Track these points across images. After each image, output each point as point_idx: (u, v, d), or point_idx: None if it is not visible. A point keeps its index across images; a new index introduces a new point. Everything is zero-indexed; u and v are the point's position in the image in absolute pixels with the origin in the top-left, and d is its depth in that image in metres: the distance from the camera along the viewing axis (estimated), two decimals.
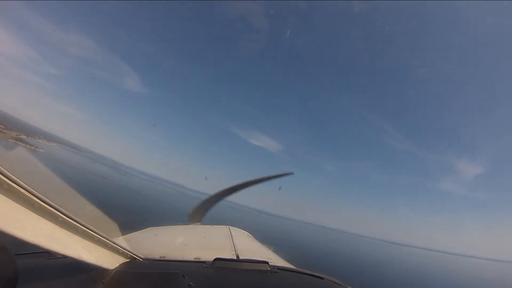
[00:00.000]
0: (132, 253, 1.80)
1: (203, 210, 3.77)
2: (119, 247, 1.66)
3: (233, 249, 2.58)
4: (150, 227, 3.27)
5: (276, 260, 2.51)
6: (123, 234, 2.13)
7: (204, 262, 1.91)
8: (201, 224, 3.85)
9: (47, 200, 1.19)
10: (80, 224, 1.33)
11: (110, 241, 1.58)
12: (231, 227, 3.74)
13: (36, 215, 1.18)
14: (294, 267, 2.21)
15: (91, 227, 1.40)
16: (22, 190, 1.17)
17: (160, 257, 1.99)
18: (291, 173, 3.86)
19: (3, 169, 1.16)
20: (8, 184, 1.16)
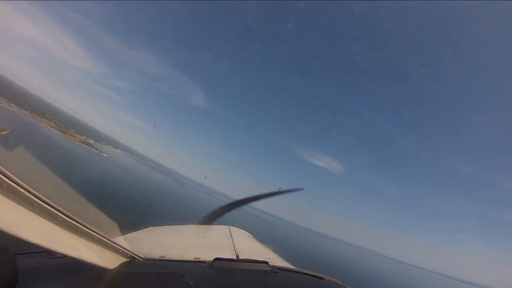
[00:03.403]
0: (132, 253, 1.80)
1: (215, 216, 3.82)
2: (119, 247, 1.66)
3: (233, 249, 2.58)
4: (150, 227, 3.27)
5: (276, 260, 2.51)
6: (123, 234, 2.13)
7: (204, 262, 1.91)
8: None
9: (47, 200, 1.19)
10: (80, 224, 1.33)
11: (110, 241, 1.58)
12: (231, 227, 3.73)
13: (36, 215, 1.18)
14: (294, 267, 2.20)
15: (91, 227, 1.40)
16: (22, 190, 1.17)
17: (160, 257, 1.99)
18: (301, 189, 3.90)
19: (3, 169, 1.17)
20: (8, 184, 1.16)
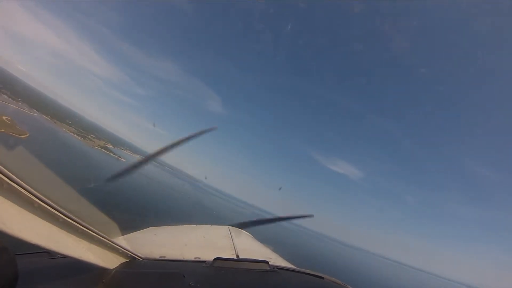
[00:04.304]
0: (132, 253, 1.80)
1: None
2: (119, 247, 1.66)
3: (233, 249, 2.58)
4: (150, 227, 3.27)
5: (276, 260, 2.51)
6: (123, 234, 2.13)
7: (204, 261, 1.91)
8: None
9: (47, 201, 1.19)
10: (80, 224, 1.33)
11: (110, 241, 1.58)
12: (231, 227, 3.73)
13: (36, 215, 1.18)
14: (294, 267, 2.20)
15: (91, 227, 1.40)
16: (22, 190, 1.17)
17: (160, 257, 1.99)
18: (214, 128, 3.78)
19: (4, 169, 1.17)
20: (8, 184, 1.17)
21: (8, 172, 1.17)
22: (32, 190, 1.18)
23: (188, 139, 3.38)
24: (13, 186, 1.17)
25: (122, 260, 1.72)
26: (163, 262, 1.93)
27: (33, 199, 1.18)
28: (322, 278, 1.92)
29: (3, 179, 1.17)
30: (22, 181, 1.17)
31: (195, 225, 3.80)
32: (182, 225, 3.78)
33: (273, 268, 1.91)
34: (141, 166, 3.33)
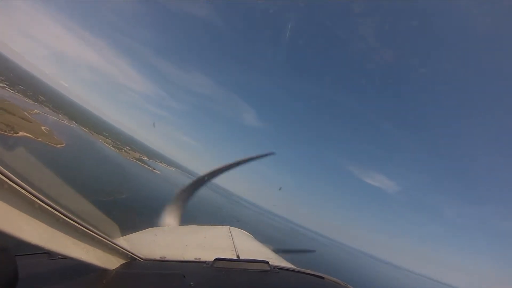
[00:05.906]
0: (133, 254, 1.80)
1: (187, 196, 3.67)
2: (119, 248, 1.66)
3: (234, 249, 2.58)
4: (150, 228, 3.27)
5: (276, 260, 2.51)
6: (123, 235, 2.13)
7: (205, 262, 1.91)
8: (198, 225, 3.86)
9: (48, 201, 1.19)
10: (80, 225, 1.33)
11: (110, 242, 1.58)
12: (231, 227, 3.73)
13: (37, 216, 1.18)
14: (295, 267, 2.20)
15: (92, 228, 1.40)
16: (23, 191, 1.17)
17: (160, 258, 1.99)
18: (272, 153, 3.89)
19: (4, 170, 1.17)
20: (9, 185, 1.17)
21: (8, 173, 1.17)
22: (33, 191, 1.18)
23: (245, 161, 3.44)
24: (14, 187, 1.17)
25: (122, 261, 1.72)
26: (163, 263, 1.93)
27: (33, 200, 1.18)
28: (323, 278, 1.92)
29: (4, 180, 1.17)
30: (23, 182, 1.17)
31: (195, 226, 3.80)
32: (182, 225, 3.78)
33: (274, 268, 1.91)
34: (197, 188, 3.39)
